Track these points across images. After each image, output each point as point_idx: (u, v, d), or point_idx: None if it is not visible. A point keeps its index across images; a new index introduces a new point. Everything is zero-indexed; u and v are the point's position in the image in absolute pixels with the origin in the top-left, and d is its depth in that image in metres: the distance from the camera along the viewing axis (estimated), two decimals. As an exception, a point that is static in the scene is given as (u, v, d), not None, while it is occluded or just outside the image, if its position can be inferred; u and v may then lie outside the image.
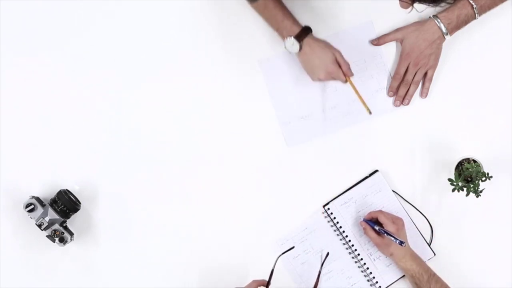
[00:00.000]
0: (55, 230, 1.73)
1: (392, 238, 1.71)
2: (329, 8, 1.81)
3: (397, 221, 1.75)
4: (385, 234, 1.72)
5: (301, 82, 1.83)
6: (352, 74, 1.77)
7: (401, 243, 1.70)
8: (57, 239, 1.73)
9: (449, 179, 1.71)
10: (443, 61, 1.81)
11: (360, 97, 1.79)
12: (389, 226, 1.73)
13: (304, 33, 1.73)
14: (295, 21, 1.74)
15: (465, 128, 1.82)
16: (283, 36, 1.73)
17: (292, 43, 1.72)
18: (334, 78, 1.77)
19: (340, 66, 1.75)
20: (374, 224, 1.76)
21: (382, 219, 1.74)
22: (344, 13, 1.82)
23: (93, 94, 1.82)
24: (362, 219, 1.80)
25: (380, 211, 1.78)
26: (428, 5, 1.42)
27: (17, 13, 1.82)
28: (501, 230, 1.81)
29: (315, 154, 1.83)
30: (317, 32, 1.79)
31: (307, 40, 1.73)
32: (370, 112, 1.78)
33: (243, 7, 1.81)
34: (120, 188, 1.82)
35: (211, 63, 1.83)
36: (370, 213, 1.78)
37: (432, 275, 1.72)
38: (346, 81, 1.78)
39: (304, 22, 1.76)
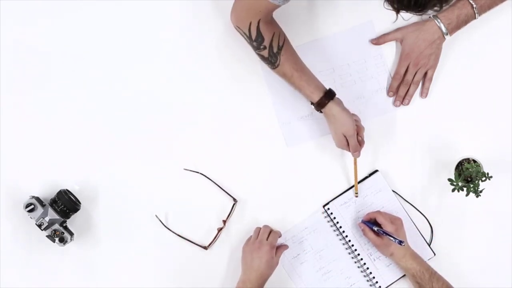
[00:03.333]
0: (55, 230, 1.73)
1: (391, 238, 1.71)
2: (329, 8, 1.81)
3: (396, 221, 1.75)
4: (384, 235, 1.72)
5: (301, 82, 1.83)
6: (358, 156, 1.75)
7: (400, 242, 1.70)
8: (57, 239, 1.73)
9: (449, 179, 1.71)
10: (443, 61, 1.81)
11: (356, 178, 1.79)
12: (387, 226, 1.73)
13: (327, 98, 1.70)
14: (317, 86, 1.71)
15: (465, 128, 1.82)
16: (314, 101, 1.71)
17: (313, 109, 1.73)
18: (344, 148, 1.75)
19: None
20: (373, 225, 1.76)
21: (380, 220, 1.74)
22: (344, 13, 1.82)
23: (93, 94, 1.82)
24: (360, 220, 1.80)
25: (378, 211, 1.78)
26: (415, 14, 1.43)
27: (17, 12, 1.82)
28: (501, 230, 1.81)
29: (315, 154, 1.83)
30: (317, 31, 1.79)
31: (328, 107, 1.70)
32: (356, 195, 1.80)
33: (243, 7, 1.81)
34: (120, 188, 1.82)
35: (211, 63, 1.83)
36: (368, 214, 1.78)
37: (433, 274, 1.72)
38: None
39: (304, 22, 1.76)
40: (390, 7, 1.42)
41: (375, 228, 1.74)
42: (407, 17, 1.58)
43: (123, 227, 1.81)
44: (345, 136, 1.71)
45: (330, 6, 1.81)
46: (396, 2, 1.40)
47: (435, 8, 1.40)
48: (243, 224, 1.81)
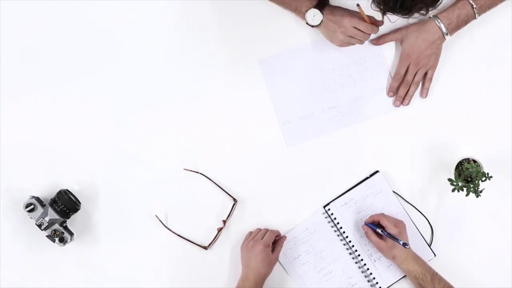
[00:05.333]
0: (55, 230, 1.73)
1: (396, 240, 1.70)
2: (329, 8, 1.81)
3: (399, 224, 1.74)
4: (388, 236, 1.72)
5: (301, 82, 1.83)
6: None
7: (404, 244, 1.69)
8: (57, 239, 1.73)
9: (449, 179, 1.71)
10: (443, 61, 1.81)
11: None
12: (391, 229, 1.72)
13: (322, 4, 1.72)
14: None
15: (465, 128, 1.82)
16: (303, 12, 1.72)
17: (313, 15, 1.71)
18: (352, 40, 1.73)
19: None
20: (376, 227, 1.75)
21: (384, 222, 1.73)
22: (344, 13, 1.82)
23: (93, 95, 1.83)
24: (363, 222, 1.79)
25: (382, 214, 1.77)
26: (401, 17, 1.44)
27: (17, 14, 1.82)
28: (501, 230, 1.81)
29: (315, 154, 1.82)
30: (318, 32, 1.79)
31: (327, 9, 1.72)
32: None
33: (243, 7, 1.81)
34: (120, 188, 1.82)
35: (211, 63, 1.83)
36: (371, 216, 1.77)
37: (435, 275, 1.72)
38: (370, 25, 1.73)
39: (304, 21, 1.75)
40: (377, 9, 1.44)
41: (379, 230, 1.73)
42: (393, 19, 1.58)
43: (123, 227, 1.81)
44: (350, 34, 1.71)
45: (330, 6, 1.82)
46: (382, 3, 1.42)
47: (421, 11, 1.42)
48: (243, 224, 1.81)
